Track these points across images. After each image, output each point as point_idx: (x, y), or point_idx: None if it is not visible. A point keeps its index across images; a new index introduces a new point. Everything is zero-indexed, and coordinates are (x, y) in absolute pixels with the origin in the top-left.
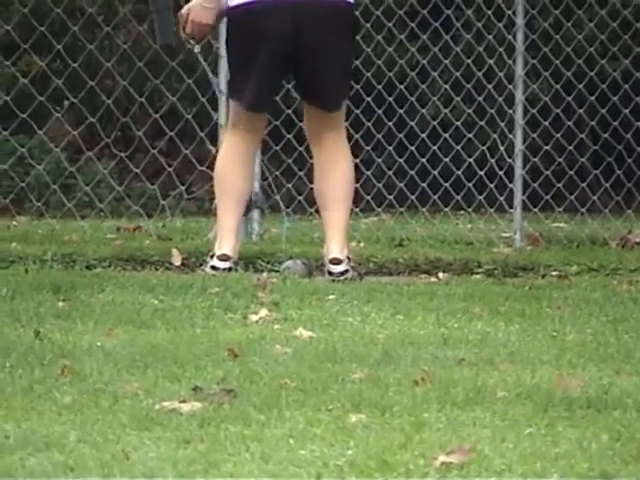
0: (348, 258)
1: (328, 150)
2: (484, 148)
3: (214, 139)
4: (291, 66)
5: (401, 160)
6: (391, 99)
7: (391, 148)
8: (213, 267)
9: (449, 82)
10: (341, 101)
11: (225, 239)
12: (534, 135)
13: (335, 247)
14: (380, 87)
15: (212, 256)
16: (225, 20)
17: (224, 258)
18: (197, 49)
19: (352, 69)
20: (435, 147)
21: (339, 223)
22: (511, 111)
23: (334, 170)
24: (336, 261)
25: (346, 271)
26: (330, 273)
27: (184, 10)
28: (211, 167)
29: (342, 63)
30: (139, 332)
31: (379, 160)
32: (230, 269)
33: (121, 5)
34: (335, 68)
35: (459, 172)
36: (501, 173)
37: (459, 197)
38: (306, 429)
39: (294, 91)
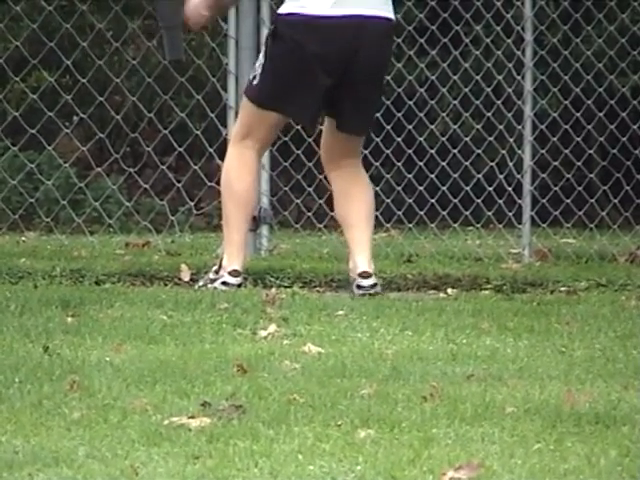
0: (374, 274)
1: (349, 174)
2: (493, 164)
3: (223, 155)
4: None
5: (410, 176)
6: (400, 115)
7: (400, 164)
8: (225, 283)
9: (458, 98)
10: (369, 126)
11: (237, 254)
12: (543, 151)
13: (363, 261)
14: (389, 103)
15: (218, 269)
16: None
17: (236, 274)
18: None
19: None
20: (444, 163)
21: (365, 238)
22: (520, 127)
23: (358, 194)
24: (365, 275)
25: (375, 284)
26: (359, 287)
27: None
28: (220, 183)
29: (380, 88)
30: (148, 347)
31: (388, 176)
32: (240, 285)
33: (130, 21)
34: (378, 91)
35: (468, 188)
36: (510, 189)
37: (468, 213)
38: (315, 445)
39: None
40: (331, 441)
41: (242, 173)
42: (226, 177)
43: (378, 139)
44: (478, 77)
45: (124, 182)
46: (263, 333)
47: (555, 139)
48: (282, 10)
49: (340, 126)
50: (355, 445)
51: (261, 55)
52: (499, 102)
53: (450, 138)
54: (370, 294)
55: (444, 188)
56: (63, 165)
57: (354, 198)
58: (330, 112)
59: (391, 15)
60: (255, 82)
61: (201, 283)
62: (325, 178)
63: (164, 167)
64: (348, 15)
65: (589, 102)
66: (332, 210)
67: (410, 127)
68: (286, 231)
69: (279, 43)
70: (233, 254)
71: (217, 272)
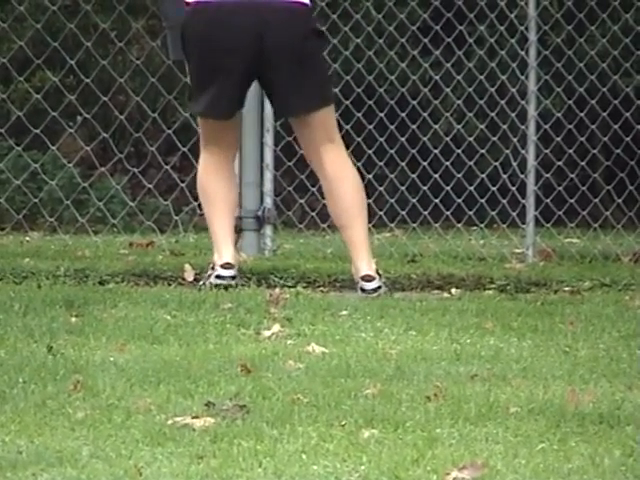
0: (379, 274)
1: (332, 166)
2: (497, 164)
3: None
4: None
5: (414, 176)
6: (404, 115)
7: (404, 164)
8: (218, 276)
9: (462, 98)
10: (318, 102)
11: (224, 248)
12: (547, 151)
13: (363, 265)
14: (393, 103)
15: (212, 267)
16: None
17: (228, 266)
18: None
19: (326, 72)
20: (448, 163)
21: (360, 239)
22: (523, 127)
23: (343, 186)
24: (368, 278)
25: (379, 287)
26: (363, 290)
27: None
28: None
29: (311, 65)
30: (152, 347)
31: (392, 176)
32: (234, 277)
33: (134, 21)
34: (303, 71)
35: (472, 188)
36: (514, 189)
37: (472, 213)
38: (319, 444)
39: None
40: (335, 441)
41: (211, 176)
42: (199, 182)
43: (382, 139)
44: (482, 77)
45: (128, 182)
46: (267, 333)
47: (559, 139)
48: None
49: (278, 113)
50: (359, 445)
51: None
52: (503, 102)
53: (454, 138)
54: (376, 295)
55: (448, 188)
56: (67, 165)
57: (341, 192)
58: (272, 106)
59: None
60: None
61: (201, 283)
62: None
63: (168, 167)
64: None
65: (593, 102)
66: None
67: (414, 127)
68: (290, 231)
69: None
70: (220, 248)
71: (213, 268)
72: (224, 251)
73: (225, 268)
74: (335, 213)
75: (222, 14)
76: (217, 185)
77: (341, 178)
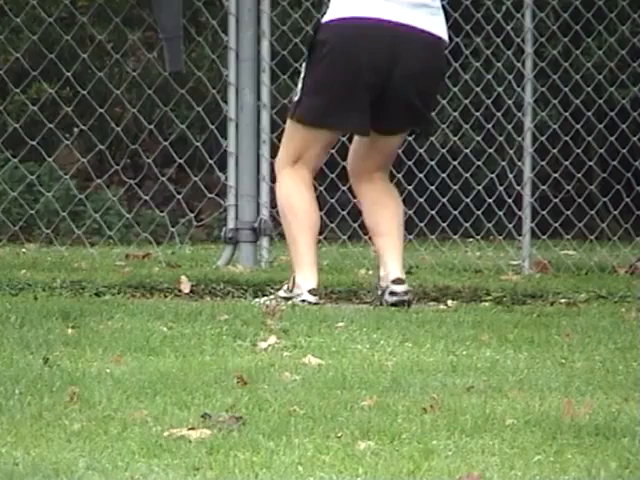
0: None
1: (381, 186)
2: (493, 176)
3: (223, 166)
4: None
5: (410, 187)
6: None
7: (400, 176)
8: (304, 300)
9: (458, 109)
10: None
11: (310, 272)
12: (543, 163)
13: (396, 267)
14: None
15: (291, 288)
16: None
17: (314, 292)
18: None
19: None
20: (444, 174)
21: (397, 246)
22: (520, 139)
23: (390, 204)
24: (399, 281)
25: (408, 291)
26: (393, 293)
27: None
28: (220, 195)
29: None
30: (148, 359)
31: None
32: (318, 303)
33: (131, 32)
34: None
35: (468, 200)
36: (510, 201)
37: (468, 225)
38: (315, 456)
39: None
40: (331, 453)
41: (302, 194)
42: (286, 202)
43: None
44: (478, 89)
45: (124, 194)
46: (263, 345)
47: (555, 151)
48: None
49: (378, 125)
50: (355, 457)
51: (302, 73)
52: (499, 114)
53: (450, 150)
54: (404, 301)
55: (444, 200)
56: (63, 177)
57: (386, 207)
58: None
59: (436, 32)
60: (299, 101)
61: (263, 300)
62: (326, 190)
63: (164, 179)
64: (386, 20)
65: (589, 114)
66: (332, 222)
67: (410, 138)
68: (286, 243)
69: (324, 52)
70: (306, 272)
71: (290, 290)
72: (311, 275)
73: (312, 294)
74: (375, 221)
75: (366, 30)
76: (304, 205)
77: (388, 193)
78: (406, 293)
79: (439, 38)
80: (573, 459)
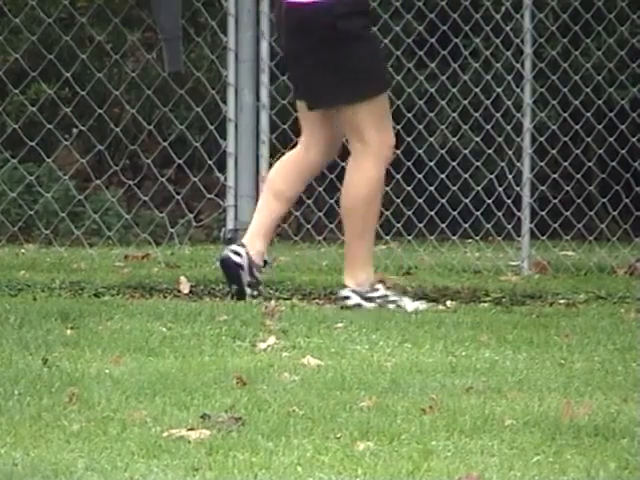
0: (375, 288)
1: (350, 160)
2: (492, 176)
3: (222, 167)
4: None
5: (409, 188)
6: (399, 127)
7: (399, 176)
8: (386, 296)
9: (457, 110)
10: (322, 101)
11: (371, 267)
12: (542, 163)
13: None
14: None
15: (374, 288)
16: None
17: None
18: None
19: (347, 72)
20: (443, 175)
21: (346, 248)
22: (519, 139)
23: (345, 184)
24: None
25: (347, 297)
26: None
27: None
28: (219, 195)
29: (328, 65)
30: (147, 360)
31: (387, 188)
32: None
33: (130, 33)
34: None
35: (467, 200)
36: (509, 201)
37: (467, 225)
38: (314, 457)
39: None
40: (330, 453)
41: (382, 182)
42: (374, 191)
43: None
44: (477, 90)
45: (123, 194)
46: (262, 345)
47: (554, 152)
48: None
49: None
50: (354, 457)
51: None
52: (498, 115)
53: (449, 150)
54: (348, 308)
55: (443, 200)
56: (62, 177)
57: (343, 189)
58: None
59: None
60: (356, 80)
61: (362, 302)
62: (325, 190)
63: (163, 179)
64: None
65: (588, 115)
66: (331, 222)
67: (409, 139)
68: (285, 243)
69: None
70: (370, 267)
71: (376, 289)
72: (372, 270)
73: (387, 288)
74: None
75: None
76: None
77: (348, 173)
78: (343, 299)
79: None
80: (572, 460)
